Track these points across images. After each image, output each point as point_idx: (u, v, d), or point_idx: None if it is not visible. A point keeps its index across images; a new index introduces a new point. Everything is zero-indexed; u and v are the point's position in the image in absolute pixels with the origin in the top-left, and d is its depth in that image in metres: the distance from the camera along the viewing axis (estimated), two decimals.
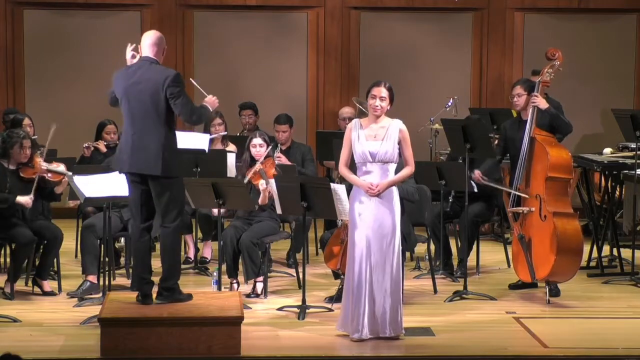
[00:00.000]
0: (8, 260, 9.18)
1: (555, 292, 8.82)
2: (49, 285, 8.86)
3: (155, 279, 7.57)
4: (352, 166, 7.62)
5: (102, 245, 8.73)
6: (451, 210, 9.61)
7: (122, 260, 9.70)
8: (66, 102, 12.62)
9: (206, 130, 10.42)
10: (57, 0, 12.80)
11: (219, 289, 8.52)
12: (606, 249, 10.10)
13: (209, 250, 10.19)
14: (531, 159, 8.66)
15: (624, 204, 9.98)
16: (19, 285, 8.88)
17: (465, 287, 8.80)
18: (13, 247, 8.79)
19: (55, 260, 8.98)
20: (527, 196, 8.65)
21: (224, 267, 8.85)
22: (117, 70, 7.63)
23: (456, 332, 7.76)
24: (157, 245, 8.93)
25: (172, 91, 7.34)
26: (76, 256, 10.06)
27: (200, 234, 10.27)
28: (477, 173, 9.10)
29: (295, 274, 9.37)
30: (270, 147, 9.12)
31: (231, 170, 9.67)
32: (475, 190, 9.30)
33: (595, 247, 9.94)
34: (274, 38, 13.00)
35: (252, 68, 12.97)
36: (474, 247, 9.56)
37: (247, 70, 12.97)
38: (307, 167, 10.39)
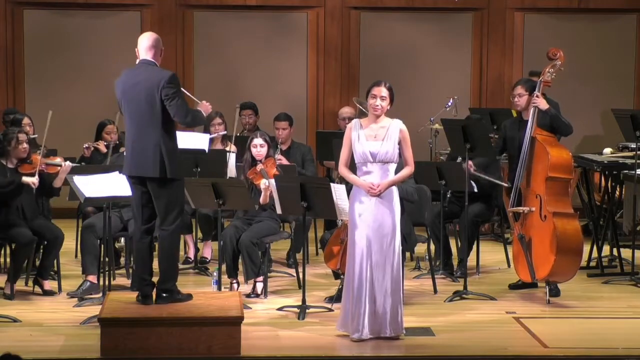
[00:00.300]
0: (8, 260, 9.18)
1: (555, 292, 8.82)
2: (49, 284, 8.86)
3: (156, 280, 7.56)
4: (352, 166, 7.62)
5: (102, 245, 8.72)
6: (449, 209, 9.60)
7: (122, 260, 9.70)
8: (66, 102, 12.61)
9: (206, 130, 10.42)
10: (57, 0, 12.80)
11: (219, 289, 8.52)
12: (606, 249, 10.10)
13: (209, 250, 10.19)
14: (532, 158, 8.66)
15: (624, 204, 9.98)
16: (19, 285, 8.88)
17: (465, 287, 8.80)
18: (13, 247, 8.80)
19: (55, 260, 8.98)
20: (506, 184, 8.67)
21: (224, 267, 8.85)
22: (119, 77, 7.62)
23: (456, 332, 7.76)
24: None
25: (167, 92, 7.33)
26: (76, 256, 10.06)
27: (200, 234, 10.27)
28: (469, 163, 9.05)
29: (295, 274, 9.37)
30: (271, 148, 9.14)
31: (231, 170, 9.67)
32: (475, 190, 9.30)
33: (595, 247, 9.93)
34: (274, 38, 13.00)
35: (252, 68, 12.97)
36: (474, 247, 9.56)
37: (247, 70, 12.97)
38: (307, 167, 10.38)
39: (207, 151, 9.76)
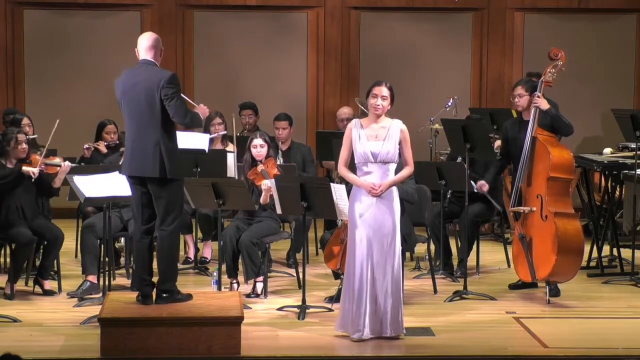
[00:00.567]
0: (8, 260, 9.18)
1: (555, 292, 8.82)
2: (49, 284, 8.87)
3: (156, 280, 7.56)
4: (351, 166, 7.61)
5: (102, 245, 8.72)
6: (449, 209, 9.60)
7: (122, 260, 9.70)
8: (66, 102, 12.62)
9: (206, 130, 10.42)
10: (57, 0, 12.80)
11: (219, 289, 8.52)
12: (606, 249, 10.10)
13: (209, 250, 10.19)
14: (533, 158, 8.66)
15: (624, 204, 9.98)
16: (19, 285, 8.88)
17: (465, 287, 8.80)
18: (13, 247, 8.80)
19: (55, 260, 8.98)
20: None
21: (224, 267, 8.85)
22: (119, 77, 7.62)
23: (456, 332, 7.76)
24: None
25: (166, 92, 7.33)
26: (76, 256, 10.06)
27: (200, 234, 10.27)
28: (482, 183, 9.06)
29: (295, 274, 9.37)
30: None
31: (231, 170, 9.67)
32: (475, 190, 9.30)
33: (595, 247, 9.93)
34: (274, 38, 13.00)
35: (252, 68, 12.97)
36: (474, 247, 9.56)
37: (247, 70, 12.97)
38: (308, 169, 10.37)
39: (207, 151, 9.76)
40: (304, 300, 8.16)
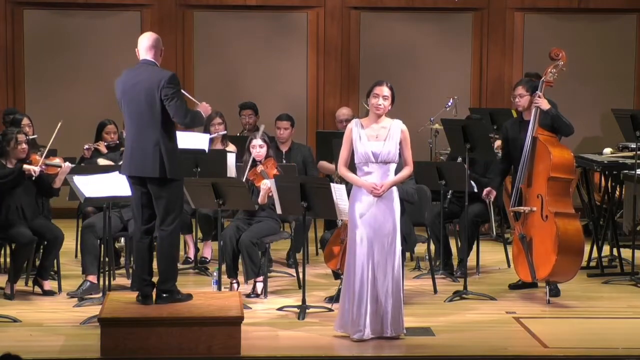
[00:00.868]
0: (8, 260, 9.18)
1: (555, 292, 8.82)
2: (49, 284, 8.86)
3: (156, 280, 7.56)
4: (350, 166, 7.61)
5: (102, 245, 8.72)
6: (449, 209, 9.60)
7: (122, 260, 9.70)
8: (66, 102, 12.62)
9: (206, 130, 10.42)
10: (57, 0, 12.80)
11: (219, 289, 8.52)
12: (606, 249, 10.10)
13: (209, 250, 10.19)
14: (533, 158, 8.66)
15: (624, 204, 9.98)
16: (19, 285, 8.88)
17: (465, 287, 8.80)
18: (13, 247, 8.80)
19: (55, 260, 8.98)
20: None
21: (224, 267, 8.85)
22: (119, 76, 7.62)
23: (456, 332, 7.76)
24: None
25: (166, 92, 7.32)
26: (76, 256, 10.06)
27: (200, 234, 10.27)
28: (489, 190, 9.06)
29: (295, 274, 9.37)
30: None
31: (231, 170, 9.67)
32: (475, 190, 9.30)
33: (595, 247, 9.93)
34: (274, 38, 13.00)
35: (252, 68, 12.97)
36: (474, 247, 9.56)
37: (247, 70, 12.97)
38: (310, 171, 10.34)
39: (207, 151, 9.76)
40: (304, 300, 8.16)
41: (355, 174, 7.56)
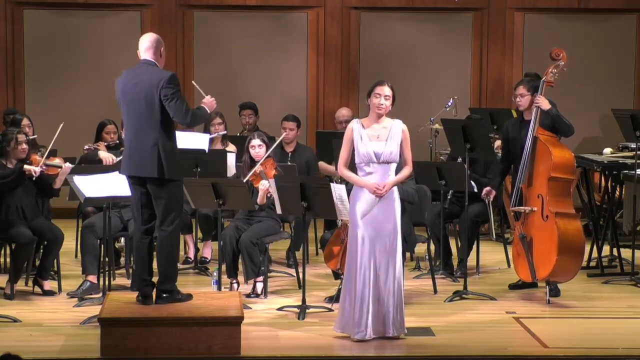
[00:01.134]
0: (8, 260, 9.18)
1: (555, 292, 8.82)
2: (49, 284, 8.86)
3: (156, 280, 7.56)
4: (350, 167, 7.61)
5: (102, 245, 8.72)
6: (449, 209, 9.60)
7: (122, 260, 9.70)
8: (66, 102, 12.62)
9: (206, 130, 10.42)
10: (57, 0, 12.80)
11: (219, 289, 8.52)
12: (606, 249, 10.10)
13: (209, 250, 10.19)
14: (534, 158, 8.66)
15: (624, 204, 9.98)
16: (19, 285, 8.88)
17: (465, 287, 8.80)
18: (13, 247, 8.80)
19: (55, 260, 8.98)
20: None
21: (224, 267, 8.85)
22: (119, 76, 7.61)
23: (456, 332, 7.76)
24: None
25: (165, 93, 7.32)
26: (76, 256, 10.06)
27: (200, 234, 10.27)
28: (489, 190, 9.07)
29: (295, 274, 9.37)
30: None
31: (231, 170, 9.67)
32: (475, 190, 9.30)
33: (595, 247, 9.93)
34: (274, 38, 13.00)
35: (252, 68, 12.97)
36: (474, 247, 9.56)
37: (247, 70, 12.97)
38: (313, 173, 10.31)
39: (207, 151, 9.76)
40: (304, 300, 8.16)
41: (355, 173, 7.56)
